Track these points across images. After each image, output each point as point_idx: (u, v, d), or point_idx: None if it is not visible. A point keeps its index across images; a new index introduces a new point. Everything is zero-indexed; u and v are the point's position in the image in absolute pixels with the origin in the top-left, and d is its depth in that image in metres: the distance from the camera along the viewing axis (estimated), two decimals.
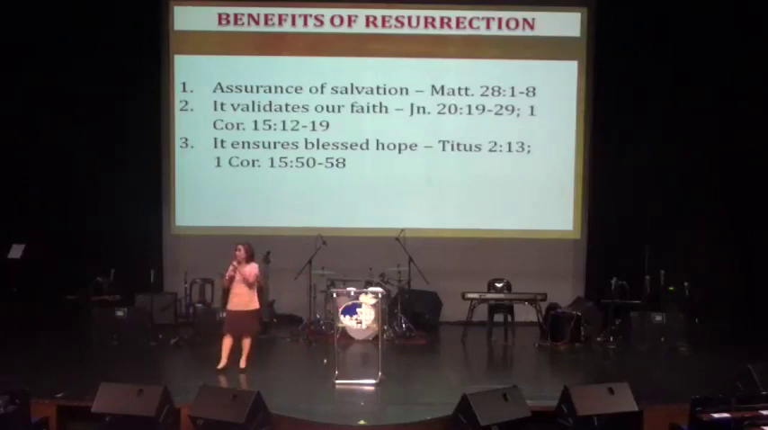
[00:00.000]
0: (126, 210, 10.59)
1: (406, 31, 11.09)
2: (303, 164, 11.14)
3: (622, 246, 10.50)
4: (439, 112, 11.14)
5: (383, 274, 10.19)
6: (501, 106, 11.13)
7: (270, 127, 11.12)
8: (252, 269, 8.15)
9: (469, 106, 11.13)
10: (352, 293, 8.41)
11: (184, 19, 11.06)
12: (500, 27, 11.09)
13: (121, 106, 10.64)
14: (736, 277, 10.79)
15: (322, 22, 11.06)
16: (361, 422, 6.52)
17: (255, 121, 11.10)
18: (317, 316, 10.21)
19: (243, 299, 8.12)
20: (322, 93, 11.10)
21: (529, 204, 11.15)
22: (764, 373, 6.86)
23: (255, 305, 8.23)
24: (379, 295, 8.38)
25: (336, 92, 11.11)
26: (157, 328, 9.79)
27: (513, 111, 11.12)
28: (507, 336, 9.97)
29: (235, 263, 8.09)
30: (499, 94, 11.12)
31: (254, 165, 11.14)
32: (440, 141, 11.17)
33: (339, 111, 11.12)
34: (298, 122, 11.11)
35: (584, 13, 11.05)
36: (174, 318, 10.11)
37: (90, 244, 10.54)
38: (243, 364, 8.13)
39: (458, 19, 11.06)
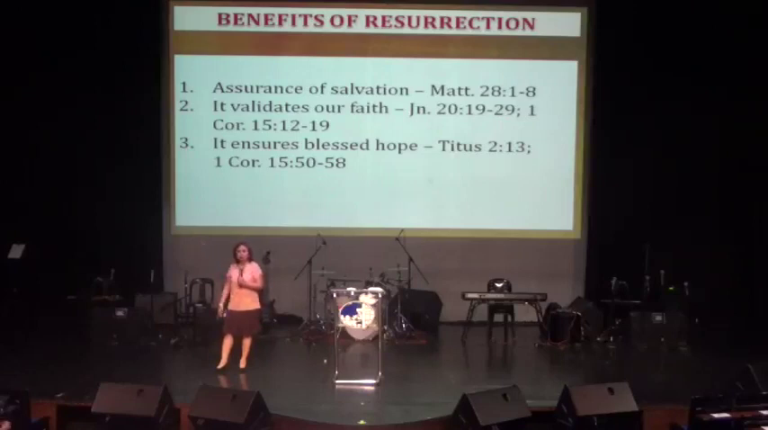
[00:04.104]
0: (126, 210, 10.59)
1: (406, 31, 11.09)
2: (303, 164, 11.14)
3: (622, 246, 10.48)
4: (439, 112, 11.14)
5: (383, 274, 10.19)
6: (501, 106, 11.12)
7: (270, 127, 11.11)
8: (256, 269, 8.20)
9: (469, 106, 11.13)
10: (352, 293, 8.43)
11: (184, 19, 11.05)
12: (500, 27, 11.09)
13: (121, 106, 10.63)
14: (736, 277, 10.78)
15: (322, 22, 11.06)
16: (361, 422, 6.53)
17: (255, 121, 11.09)
18: (317, 316, 10.21)
19: (244, 299, 8.13)
20: (322, 93, 11.09)
21: (529, 204, 11.15)
22: (764, 373, 6.86)
23: (256, 305, 8.24)
24: (379, 295, 8.41)
25: (336, 92, 11.11)
26: (157, 328, 9.81)
27: (513, 111, 11.12)
28: (507, 336, 9.96)
29: (242, 264, 8.12)
30: (499, 93, 11.12)
31: (254, 165, 11.14)
32: (440, 141, 11.16)
33: (339, 111, 11.12)
34: (298, 122, 11.10)
35: (584, 13, 11.05)
36: (174, 318, 10.10)
37: (90, 244, 10.53)
38: (243, 364, 8.13)
39: (458, 19, 11.06)
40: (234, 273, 8.15)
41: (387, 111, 11.13)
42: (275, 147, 11.12)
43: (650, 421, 6.60)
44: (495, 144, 11.15)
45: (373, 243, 10.68)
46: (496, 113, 11.13)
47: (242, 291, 8.12)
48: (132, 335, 9.48)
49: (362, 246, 10.79)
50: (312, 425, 6.49)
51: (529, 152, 11.15)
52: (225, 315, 8.17)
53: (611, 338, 9.79)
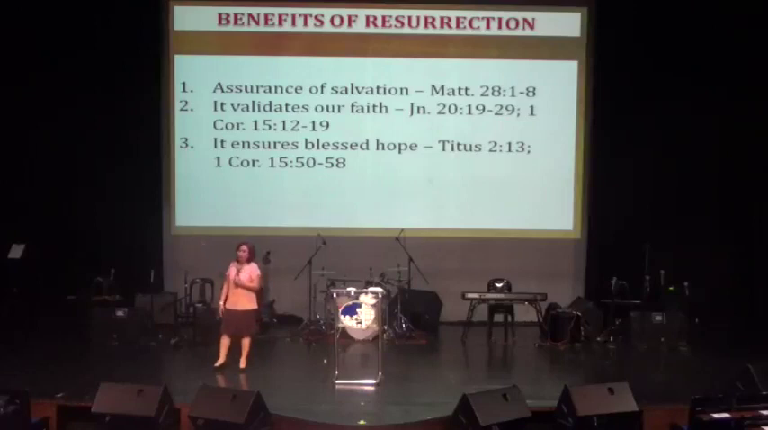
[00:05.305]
0: (126, 210, 10.59)
1: (406, 31, 11.08)
2: (303, 164, 11.13)
3: (622, 246, 10.48)
4: (439, 112, 11.13)
5: (383, 274, 10.19)
6: (501, 106, 11.12)
7: (270, 127, 11.11)
8: (254, 269, 8.19)
9: (469, 106, 11.12)
10: (352, 293, 8.43)
11: (184, 19, 11.05)
12: (500, 27, 11.09)
13: (121, 106, 10.63)
14: (736, 277, 10.78)
15: (322, 22, 11.06)
16: (361, 422, 6.53)
17: (255, 121, 11.09)
18: (317, 316, 10.21)
19: (241, 298, 8.13)
20: (322, 93, 11.09)
21: (529, 204, 11.15)
22: (764, 373, 6.87)
23: (254, 305, 8.24)
24: (379, 295, 8.41)
25: (336, 92, 11.10)
26: (157, 328, 9.81)
27: (513, 111, 11.12)
28: (507, 336, 9.96)
29: (238, 263, 8.12)
30: (499, 94, 11.11)
31: (254, 165, 11.13)
32: (440, 141, 11.16)
33: (339, 111, 11.11)
34: (298, 122, 11.10)
35: (584, 13, 11.05)
36: (174, 318, 10.10)
37: (90, 244, 10.53)
38: (242, 364, 8.14)
39: (458, 19, 11.06)
40: (232, 271, 8.15)
41: (387, 111, 11.13)
42: (275, 147, 11.11)
43: (650, 421, 6.60)
44: (495, 144, 11.14)
45: (373, 243, 10.68)
46: (496, 113, 11.13)
47: (239, 290, 8.12)
48: (132, 335, 9.48)
49: (362, 246, 10.79)
50: (312, 425, 6.49)
51: (529, 152, 11.15)
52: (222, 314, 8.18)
53: (611, 338, 9.79)
